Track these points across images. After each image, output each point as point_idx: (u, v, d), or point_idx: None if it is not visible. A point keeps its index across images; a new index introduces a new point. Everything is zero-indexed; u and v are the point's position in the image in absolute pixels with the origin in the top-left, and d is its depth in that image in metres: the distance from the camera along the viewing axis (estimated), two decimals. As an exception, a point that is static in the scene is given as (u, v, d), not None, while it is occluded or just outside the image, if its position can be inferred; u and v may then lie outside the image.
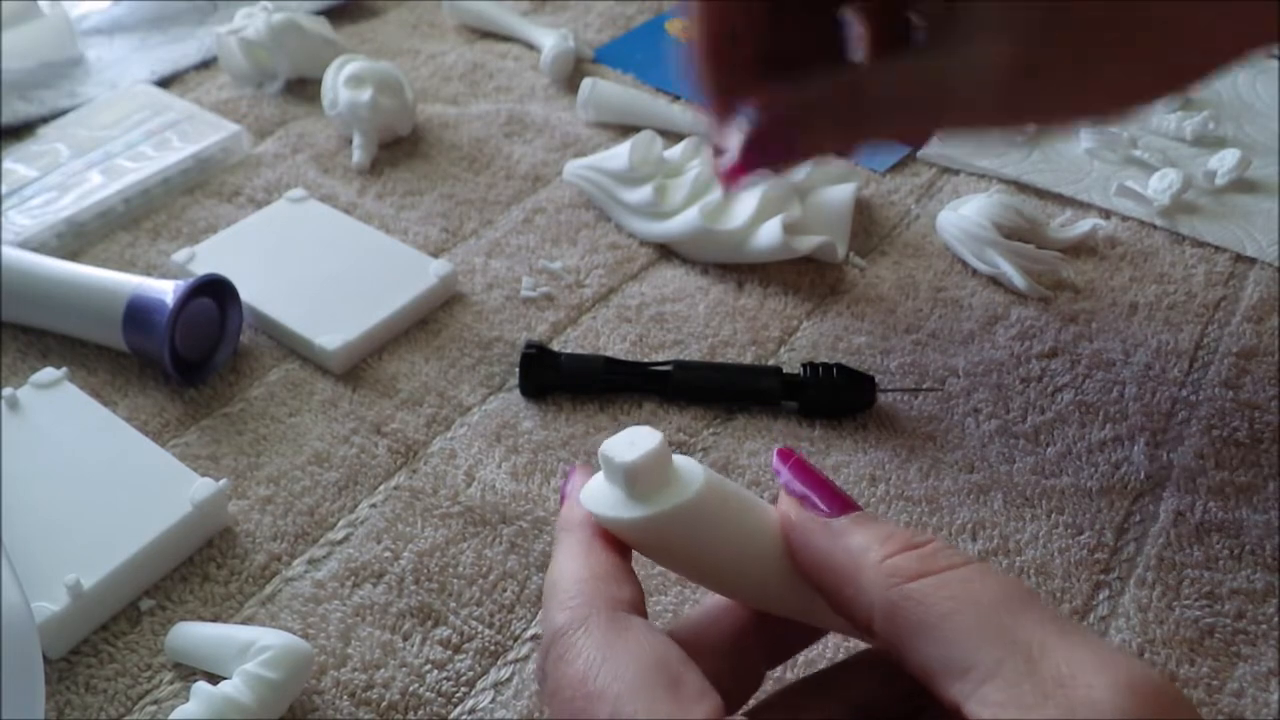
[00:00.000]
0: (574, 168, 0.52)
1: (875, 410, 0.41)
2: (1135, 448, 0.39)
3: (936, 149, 0.55)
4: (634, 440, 0.24)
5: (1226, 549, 0.36)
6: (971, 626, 0.20)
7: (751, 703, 0.27)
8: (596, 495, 0.25)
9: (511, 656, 0.33)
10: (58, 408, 0.39)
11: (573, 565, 0.24)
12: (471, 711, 0.31)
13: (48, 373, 0.40)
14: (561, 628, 0.23)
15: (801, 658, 0.32)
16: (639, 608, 0.23)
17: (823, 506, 0.24)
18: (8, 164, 0.52)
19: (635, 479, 0.24)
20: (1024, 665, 0.19)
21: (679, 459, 0.25)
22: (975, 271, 0.48)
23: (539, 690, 0.27)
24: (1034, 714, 0.19)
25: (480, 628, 0.33)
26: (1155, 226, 0.50)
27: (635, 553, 0.25)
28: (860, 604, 0.22)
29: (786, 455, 0.26)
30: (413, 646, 0.33)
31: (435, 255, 0.47)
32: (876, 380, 0.41)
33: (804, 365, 0.41)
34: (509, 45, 0.64)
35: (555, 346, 0.44)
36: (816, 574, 0.24)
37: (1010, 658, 0.19)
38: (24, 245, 0.46)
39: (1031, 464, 0.39)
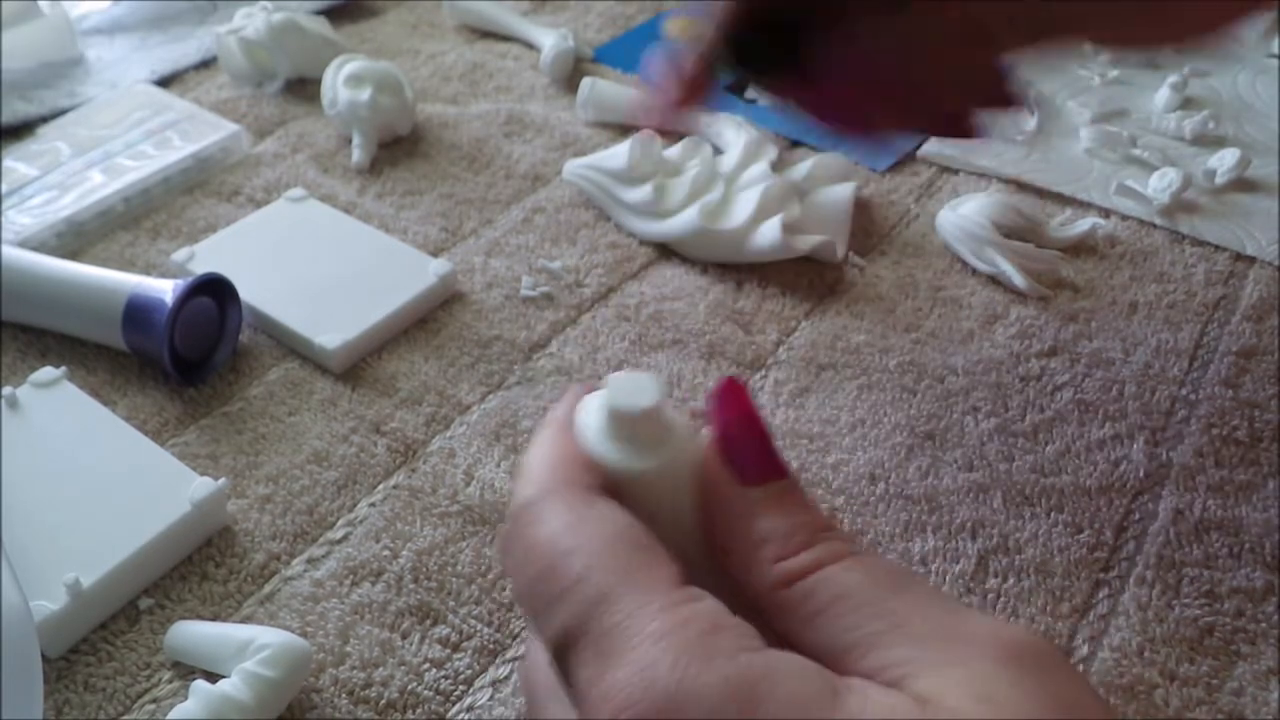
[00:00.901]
0: (573, 167, 0.52)
1: (875, 408, 0.41)
2: (1134, 446, 0.39)
3: (935, 148, 0.55)
4: (636, 388, 0.23)
5: (1226, 547, 0.36)
6: (851, 610, 0.21)
7: None
8: (589, 424, 0.24)
9: (510, 655, 0.33)
10: (57, 407, 0.39)
11: (545, 449, 0.24)
12: (469, 709, 0.31)
13: (47, 372, 0.40)
14: (529, 499, 0.23)
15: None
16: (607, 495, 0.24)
17: (747, 468, 0.24)
18: (8, 163, 0.52)
19: (626, 427, 0.24)
20: (902, 634, 0.20)
21: (673, 415, 0.24)
22: (975, 270, 0.48)
23: (501, 566, 0.26)
24: (915, 668, 0.20)
25: (479, 626, 0.33)
26: (1155, 225, 0.50)
27: None
28: (753, 595, 0.23)
29: (728, 391, 0.24)
30: (411, 645, 0.33)
31: (435, 255, 0.47)
32: None
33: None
34: (509, 45, 0.64)
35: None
36: (718, 543, 0.24)
37: (889, 630, 0.21)
38: (24, 244, 0.46)
39: (1031, 462, 0.39)
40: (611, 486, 0.24)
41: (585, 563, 0.22)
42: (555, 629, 0.22)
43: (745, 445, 0.24)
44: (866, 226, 0.50)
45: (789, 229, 0.47)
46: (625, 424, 0.24)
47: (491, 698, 0.32)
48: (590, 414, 0.25)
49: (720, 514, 0.24)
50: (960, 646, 0.20)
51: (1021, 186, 0.53)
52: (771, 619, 0.22)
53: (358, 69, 0.54)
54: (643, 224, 0.49)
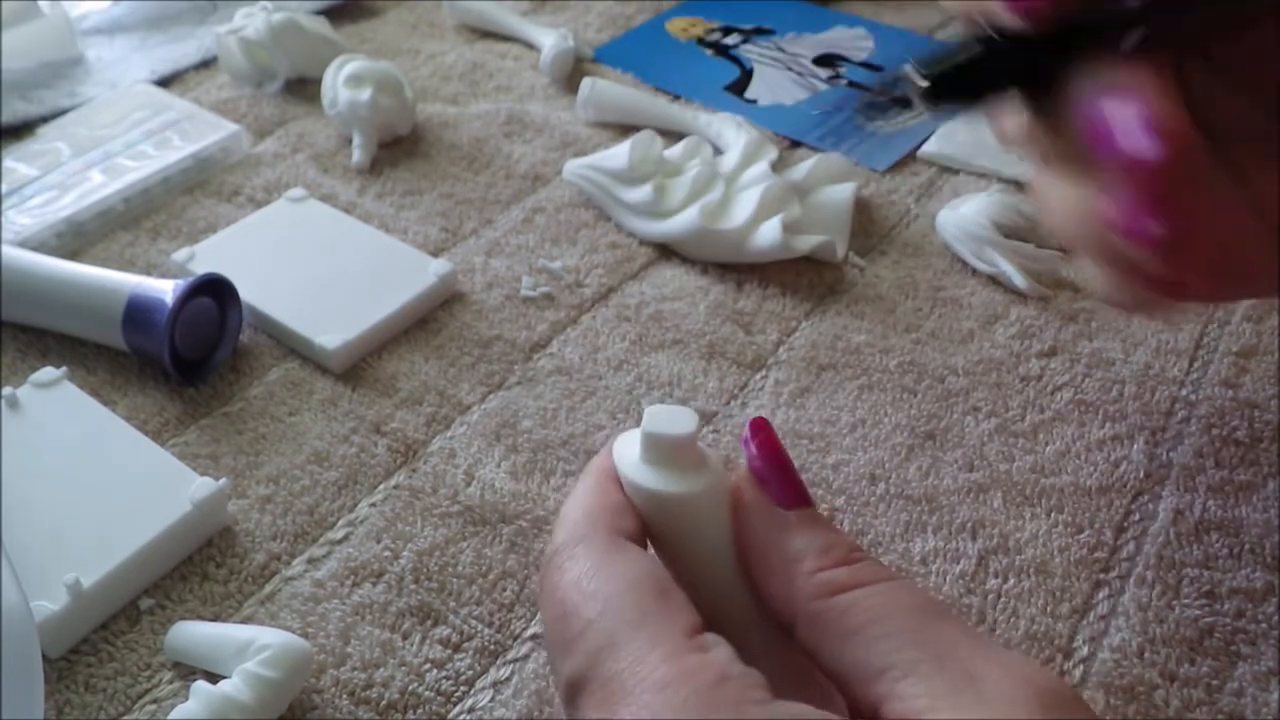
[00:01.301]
0: (574, 167, 0.52)
1: (875, 408, 0.41)
2: (1134, 446, 0.39)
3: (935, 147, 0.55)
4: (673, 418, 0.25)
5: (1226, 548, 0.36)
6: (889, 633, 0.22)
7: None
8: (627, 455, 0.26)
9: (511, 656, 0.33)
10: (57, 407, 0.39)
11: (582, 497, 0.25)
12: (470, 710, 0.31)
13: (47, 372, 0.40)
14: (561, 544, 0.24)
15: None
16: (638, 540, 0.24)
17: (777, 495, 0.25)
18: (8, 163, 0.52)
19: (665, 452, 0.25)
20: (937, 665, 0.21)
21: (708, 451, 0.26)
22: (975, 271, 0.48)
23: (538, 607, 0.26)
24: (947, 701, 0.20)
25: (480, 627, 0.33)
26: (1155, 226, 0.50)
27: None
28: (785, 606, 0.23)
29: (759, 428, 0.26)
30: (412, 645, 0.33)
31: (435, 255, 0.47)
32: None
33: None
34: (509, 45, 0.64)
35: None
36: (751, 559, 0.25)
37: (925, 659, 0.21)
38: (24, 245, 0.46)
39: (1031, 463, 0.39)
40: (650, 514, 0.25)
41: (599, 609, 0.22)
42: (566, 674, 0.22)
43: (778, 472, 0.25)
44: (866, 226, 0.50)
45: (789, 229, 0.47)
46: (665, 450, 0.25)
47: (493, 699, 0.32)
48: (628, 446, 0.26)
49: (756, 533, 0.25)
50: (989, 685, 0.20)
51: (1021, 186, 0.53)
52: (803, 634, 0.23)
53: (358, 69, 0.54)
54: (643, 224, 0.49)
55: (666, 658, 0.21)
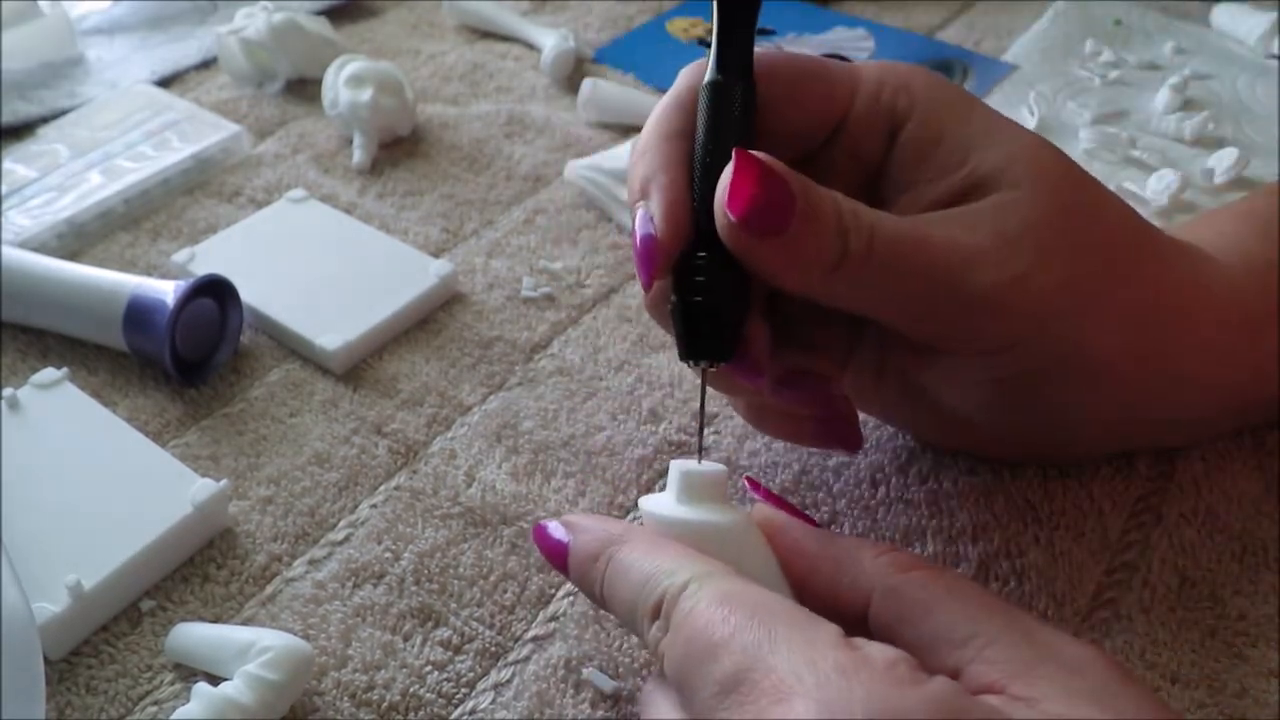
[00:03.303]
0: (575, 168, 0.52)
1: (876, 411, 0.41)
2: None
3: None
4: (702, 466, 0.28)
5: (1229, 550, 0.36)
6: (969, 606, 0.24)
7: None
8: (661, 502, 0.28)
9: (512, 658, 0.33)
10: (58, 408, 0.39)
11: (654, 553, 0.26)
12: (472, 712, 0.31)
13: (48, 373, 0.40)
14: (676, 587, 0.24)
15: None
16: None
17: (806, 519, 0.28)
18: (8, 164, 0.52)
19: (701, 489, 0.28)
20: (1021, 636, 0.23)
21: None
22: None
23: (657, 657, 0.25)
24: (1034, 669, 0.22)
25: (481, 629, 0.33)
26: (1156, 227, 0.50)
27: None
28: (857, 590, 0.25)
29: (754, 486, 0.30)
30: (413, 647, 0.33)
31: (435, 255, 0.47)
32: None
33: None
34: (509, 45, 0.64)
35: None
36: (810, 566, 0.27)
37: (1008, 629, 0.23)
38: (24, 245, 0.46)
39: (1034, 468, 0.39)
40: (704, 551, 0.26)
41: (747, 614, 0.23)
42: (718, 675, 0.22)
43: (790, 507, 0.28)
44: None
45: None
46: (707, 488, 0.27)
47: (494, 701, 0.32)
48: (659, 504, 0.28)
49: (807, 543, 0.27)
50: (1070, 657, 0.22)
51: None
52: (879, 609, 0.25)
53: (358, 69, 0.54)
54: (644, 225, 0.49)
55: (834, 647, 0.22)
